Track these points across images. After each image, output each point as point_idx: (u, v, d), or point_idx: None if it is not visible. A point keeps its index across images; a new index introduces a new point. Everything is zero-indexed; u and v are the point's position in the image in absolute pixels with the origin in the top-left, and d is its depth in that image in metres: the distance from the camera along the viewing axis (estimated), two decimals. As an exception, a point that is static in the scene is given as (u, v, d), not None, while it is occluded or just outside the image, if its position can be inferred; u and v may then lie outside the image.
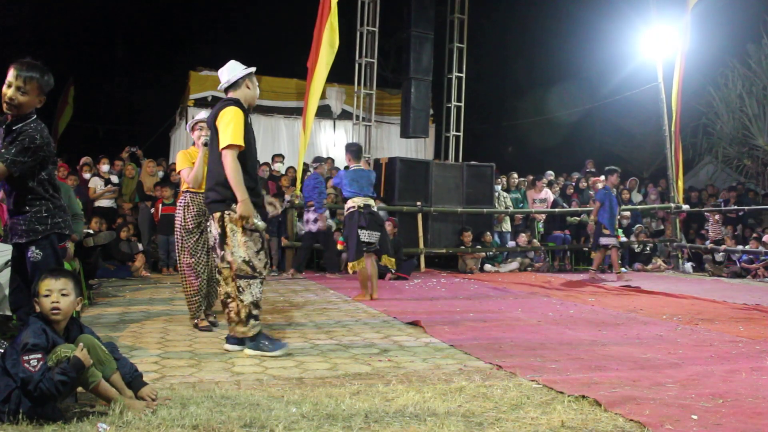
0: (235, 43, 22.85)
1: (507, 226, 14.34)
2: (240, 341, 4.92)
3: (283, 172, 13.91)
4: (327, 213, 11.66)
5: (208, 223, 5.07)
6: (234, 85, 5.01)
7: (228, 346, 4.96)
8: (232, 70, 5.06)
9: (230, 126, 4.72)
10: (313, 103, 12.18)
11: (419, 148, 17.71)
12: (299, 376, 4.19)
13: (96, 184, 11.84)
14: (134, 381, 3.46)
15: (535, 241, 14.21)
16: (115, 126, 24.44)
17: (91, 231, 9.12)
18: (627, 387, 3.93)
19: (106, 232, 9.54)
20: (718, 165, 18.81)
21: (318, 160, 12.28)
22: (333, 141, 17.35)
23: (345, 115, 16.91)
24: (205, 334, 5.67)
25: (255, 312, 4.86)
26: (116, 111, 25.58)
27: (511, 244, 14.30)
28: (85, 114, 23.15)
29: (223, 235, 4.83)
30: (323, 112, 16.65)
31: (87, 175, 12.04)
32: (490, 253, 13.80)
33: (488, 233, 13.58)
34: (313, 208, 11.31)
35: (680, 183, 14.77)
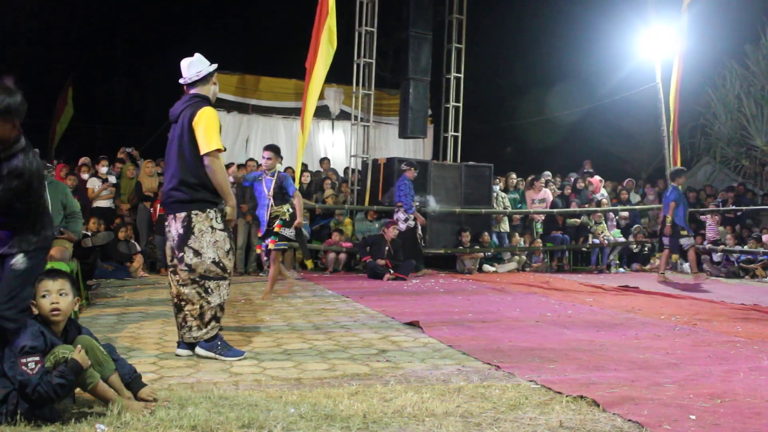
0: (234, 44, 22.85)
1: (505, 226, 14.35)
2: (192, 346, 4.77)
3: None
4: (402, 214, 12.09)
5: (166, 223, 4.88)
6: (202, 80, 4.89)
7: (180, 351, 4.80)
8: (200, 64, 4.92)
9: (212, 129, 4.63)
10: (311, 104, 12.17)
11: (417, 149, 17.69)
12: (297, 377, 4.20)
13: (94, 184, 11.83)
14: (133, 382, 3.45)
15: (538, 241, 14.21)
16: (114, 126, 24.41)
17: (89, 232, 9.11)
18: (625, 387, 3.93)
19: (104, 233, 9.54)
20: (716, 165, 18.82)
21: (409, 164, 12.56)
22: (331, 141, 17.34)
23: (343, 116, 16.89)
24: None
25: (219, 314, 4.77)
26: (115, 111, 25.58)
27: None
28: (84, 114, 23.12)
29: (185, 236, 4.67)
30: (321, 112, 16.63)
31: (85, 176, 12.02)
32: (489, 253, 13.81)
33: (486, 233, 13.59)
34: (403, 209, 11.96)
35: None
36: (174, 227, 4.75)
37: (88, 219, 10.08)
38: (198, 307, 4.70)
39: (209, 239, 4.69)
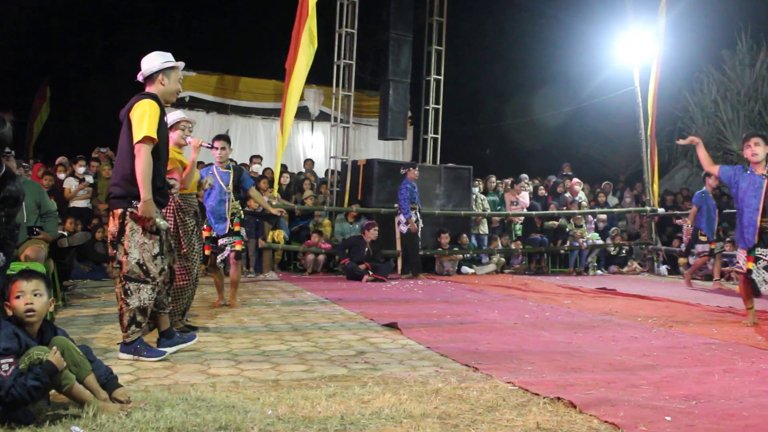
0: (214, 44, 22.75)
1: (484, 228, 14.39)
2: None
3: (261, 173, 13.87)
4: (415, 216, 12.17)
5: (109, 219, 4.81)
6: (149, 79, 4.83)
7: (121, 354, 4.72)
8: (150, 62, 4.84)
9: (145, 118, 4.52)
10: (291, 105, 12.16)
11: (397, 150, 17.73)
12: (275, 378, 4.18)
13: (71, 184, 11.74)
14: (109, 383, 3.42)
15: (517, 243, 14.28)
16: (92, 126, 24.20)
17: (65, 232, 9.03)
18: (602, 389, 3.95)
19: (81, 233, 9.45)
20: (693, 169, 19.01)
21: (407, 166, 12.69)
22: (311, 142, 17.33)
23: (323, 117, 16.89)
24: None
25: (139, 318, 4.65)
26: (93, 111, 25.35)
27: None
28: (61, 114, 22.94)
29: (119, 234, 4.62)
30: (301, 113, 16.60)
31: (62, 176, 11.93)
32: (468, 255, 13.85)
33: (465, 235, 13.62)
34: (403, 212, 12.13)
35: (656, 186, 14.91)
36: (112, 224, 4.70)
37: (65, 219, 10.01)
38: (119, 307, 4.67)
39: (137, 240, 4.61)
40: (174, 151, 5.92)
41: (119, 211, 4.62)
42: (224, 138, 7.55)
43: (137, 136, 4.52)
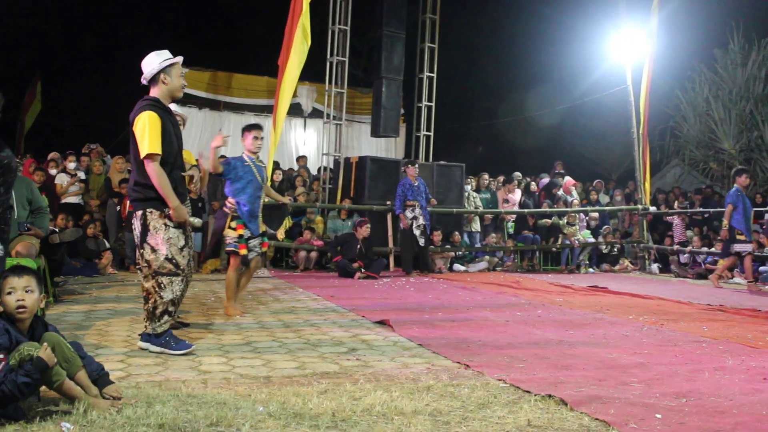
0: (207, 40, 22.71)
1: (476, 226, 14.41)
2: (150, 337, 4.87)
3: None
4: (407, 213, 12.23)
5: (132, 220, 4.95)
6: (152, 81, 4.92)
7: (142, 344, 4.88)
8: (147, 65, 4.91)
9: (145, 134, 4.64)
10: (284, 102, 12.14)
11: (389, 148, 17.73)
12: (267, 375, 4.18)
13: (62, 180, 11.69)
14: (100, 379, 3.41)
15: (509, 241, 14.30)
16: (83, 121, 24.12)
17: (57, 228, 9.00)
18: (593, 386, 3.96)
19: (72, 229, 9.41)
20: (685, 168, 19.09)
21: (406, 163, 12.80)
22: (303, 139, 17.32)
23: (316, 114, 16.88)
24: (174, 332, 5.61)
25: (171, 309, 4.87)
26: (84, 106, 25.28)
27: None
28: (53, 109, 22.86)
29: (144, 233, 4.79)
30: (294, 110, 16.60)
31: (53, 171, 11.88)
32: (460, 252, 13.86)
33: (457, 233, 13.64)
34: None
35: (647, 185, 14.95)
36: (136, 224, 4.85)
37: (57, 215, 9.96)
38: (153, 301, 4.81)
39: (163, 236, 4.78)
40: None
41: (140, 212, 4.80)
42: (260, 127, 7.06)
43: (142, 153, 4.68)
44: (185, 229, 4.91)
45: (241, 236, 6.73)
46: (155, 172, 4.67)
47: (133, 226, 4.96)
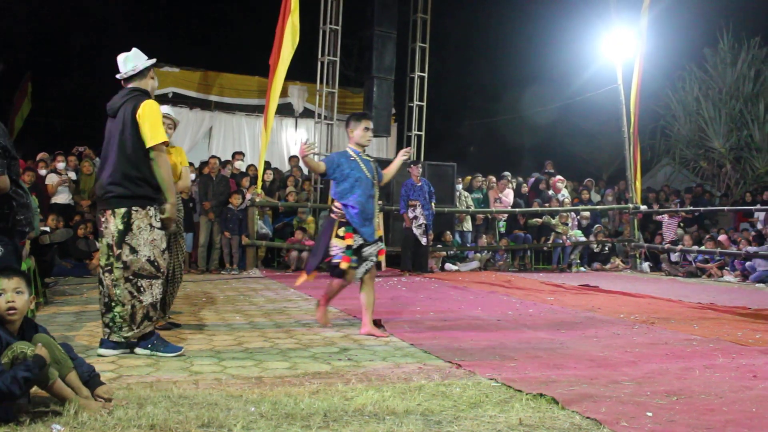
0: (197, 40, 22.63)
1: (468, 225, 14.43)
2: (117, 345, 4.68)
3: (244, 170, 13.84)
4: (408, 212, 12.38)
5: (103, 219, 4.71)
6: (140, 75, 4.84)
7: (103, 351, 4.66)
8: (136, 59, 4.86)
9: (157, 121, 4.61)
10: (274, 101, 12.14)
11: (381, 147, 17.71)
12: (258, 376, 4.17)
13: (53, 180, 11.65)
14: (91, 380, 3.39)
15: (504, 240, 14.32)
16: (73, 121, 24.03)
17: (47, 228, 8.97)
18: (584, 385, 3.97)
19: (62, 230, 9.39)
20: (676, 167, 19.15)
21: (407, 163, 12.80)
22: (294, 139, 17.28)
23: (307, 114, 16.85)
24: (163, 333, 5.58)
25: (152, 313, 4.70)
26: (74, 106, 25.17)
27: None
28: (43, 109, 22.74)
29: (124, 233, 4.59)
30: (285, 110, 16.58)
31: (43, 172, 11.83)
32: (451, 252, 13.88)
33: (449, 232, 13.65)
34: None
35: (638, 184, 14.99)
36: (113, 223, 4.62)
37: (47, 216, 9.93)
38: (129, 307, 4.61)
39: (147, 237, 4.63)
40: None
41: (123, 210, 4.60)
42: (371, 117, 6.23)
43: (153, 141, 4.57)
44: (167, 232, 4.81)
45: (349, 246, 5.75)
46: (164, 162, 4.61)
47: (103, 225, 4.71)
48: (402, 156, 6.23)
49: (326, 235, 5.86)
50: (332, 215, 5.89)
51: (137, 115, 4.60)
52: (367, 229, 5.80)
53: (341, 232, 5.77)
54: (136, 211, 4.60)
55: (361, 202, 5.76)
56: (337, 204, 5.84)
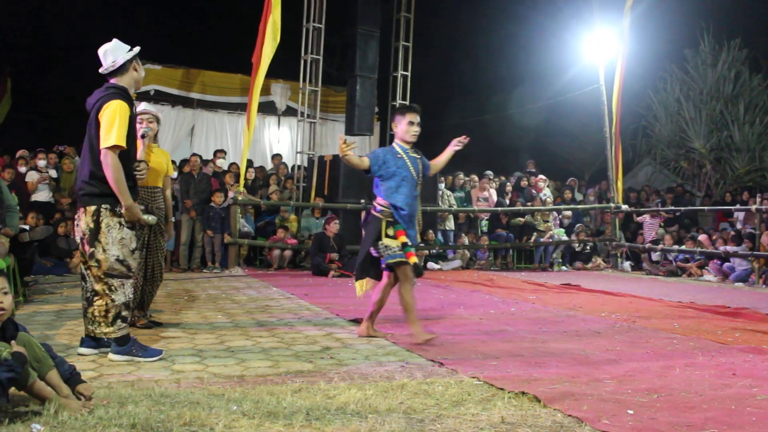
0: (179, 37, 22.53)
1: (450, 224, 14.44)
2: (98, 344, 4.65)
3: (226, 168, 13.79)
4: None
5: (77, 216, 4.66)
6: (121, 69, 4.67)
7: (83, 350, 4.63)
8: (115, 52, 4.67)
9: (115, 124, 4.41)
10: (256, 99, 12.12)
11: (364, 146, 17.68)
12: (240, 374, 4.16)
13: (33, 178, 11.55)
14: (72, 378, 3.36)
15: (483, 239, 14.35)
16: (54, 118, 23.84)
17: (27, 226, 8.89)
18: (566, 383, 3.99)
19: (42, 227, 9.32)
20: (656, 167, 19.29)
21: None
22: (277, 137, 17.23)
23: (290, 112, 16.80)
24: (144, 332, 5.57)
25: (124, 313, 4.59)
26: (55, 103, 24.98)
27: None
28: (22, 106, 22.53)
29: (95, 231, 4.50)
30: (268, 108, 16.52)
31: (23, 169, 11.73)
32: (434, 251, 13.89)
33: (431, 231, 13.66)
34: None
35: (620, 184, 15.07)
36: (84, 221, 4.55)
37: (27, 213, 9.84)
38: (104, 303, 4.55)
39: (115, 236, 4.52)
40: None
41: (93, 207, 4.51)
42: (418, 110, 5.73)
43: (106, 142, 4.40)
44: (138, 231, 4.72)
45: (405, 244, 5.40)
46: (114, 166, 4.41)
47: (78, 223, 4.65)
48: (455, 146, 5.95)
49: (372, 236, 5.47)
50: (376, 213, 5.51)
51: (99, 115, 4.49)
52: (412, 231, 5.56)
53: (391, 231, 5.44)
54: (105, 209, 4.50)
55: (408, 203, 5.48)
56: (382, 202, 5.50)
